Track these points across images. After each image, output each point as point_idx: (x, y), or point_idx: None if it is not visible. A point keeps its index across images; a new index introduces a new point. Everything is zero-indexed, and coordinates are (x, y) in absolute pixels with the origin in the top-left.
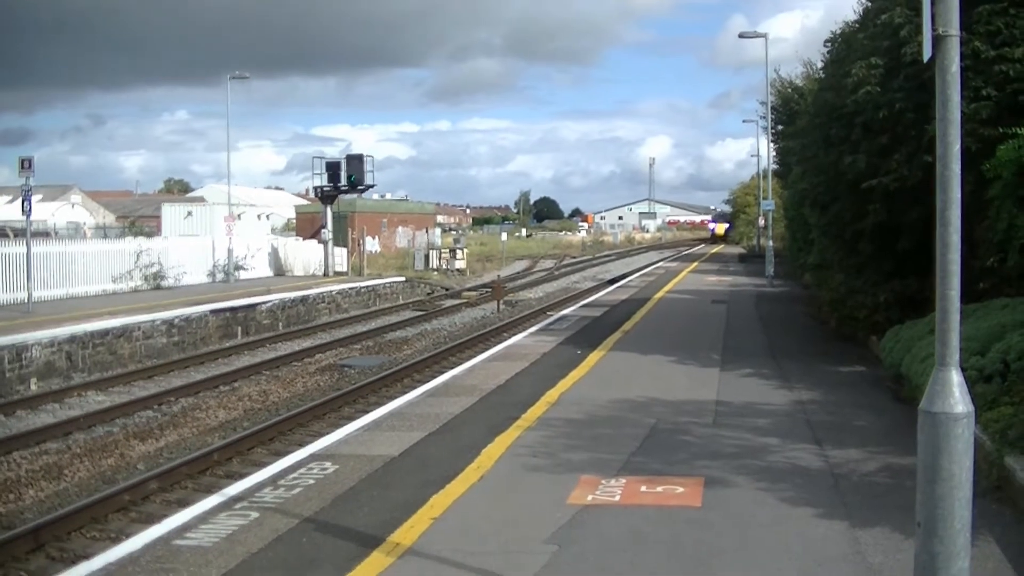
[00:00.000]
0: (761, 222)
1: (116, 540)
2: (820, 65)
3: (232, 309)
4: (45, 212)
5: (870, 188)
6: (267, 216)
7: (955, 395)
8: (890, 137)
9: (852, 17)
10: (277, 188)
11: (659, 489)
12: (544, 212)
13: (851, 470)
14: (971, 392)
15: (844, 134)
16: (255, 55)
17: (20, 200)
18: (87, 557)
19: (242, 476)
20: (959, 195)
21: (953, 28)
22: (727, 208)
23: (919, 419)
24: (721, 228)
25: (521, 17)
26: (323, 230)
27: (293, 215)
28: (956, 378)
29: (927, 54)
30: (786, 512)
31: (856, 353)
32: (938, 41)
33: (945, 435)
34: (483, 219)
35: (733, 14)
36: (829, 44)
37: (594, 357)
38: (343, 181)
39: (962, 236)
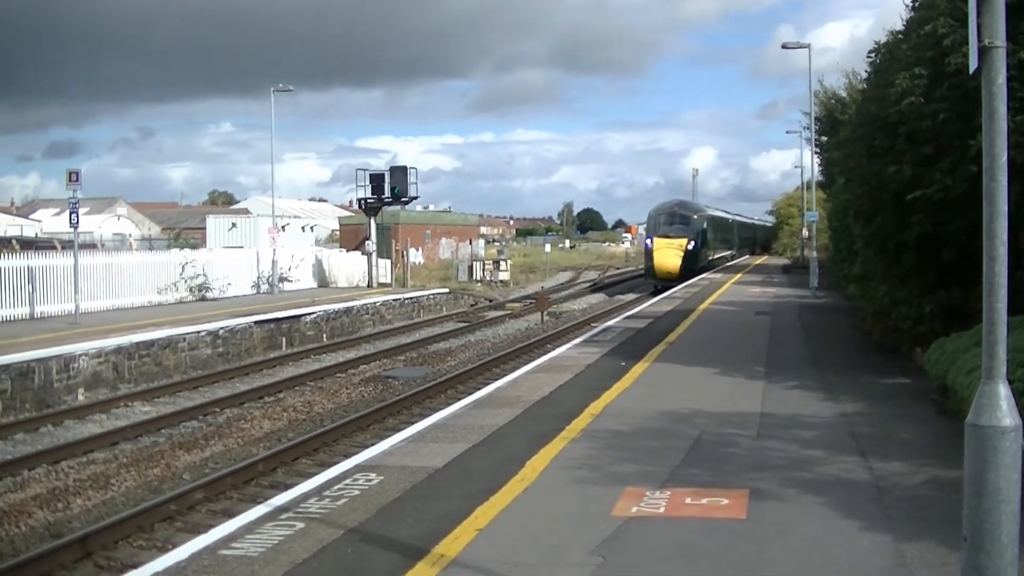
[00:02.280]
0: (805, 233)
1: (163, 549)
2: (864, 75)
3: (277, 320)
4: (92, 224)
5: (914, 199)
6: (311, 228)
7: (1002, 408)
8: (934, 147)
9: (898, 27)
10: (321, 200)
11: (704, 501)
12: (588, 223)
13: (896, 483)
14: (1018, 405)
15: (888, 144)
16: (301, 68)
17: (68, 212)
18: (134, 566)
19: (287, 487)
20: (1006, 207)
21: (999, 39)
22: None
23: (966, 432)
24: (671, 251)
25: (567, 28)
26: (367, 242)
27: (337, 227)
28: (1003, 391)
29: (973, 65)
30: (831, 524)
31: (900, 365)
32: (984, 52)
33: (992, 448)
34: (526, 230)
35: (781, 24)
36: (873, 55)
37: (638, 369)
38: (387, 193)
39: (1008, 247)
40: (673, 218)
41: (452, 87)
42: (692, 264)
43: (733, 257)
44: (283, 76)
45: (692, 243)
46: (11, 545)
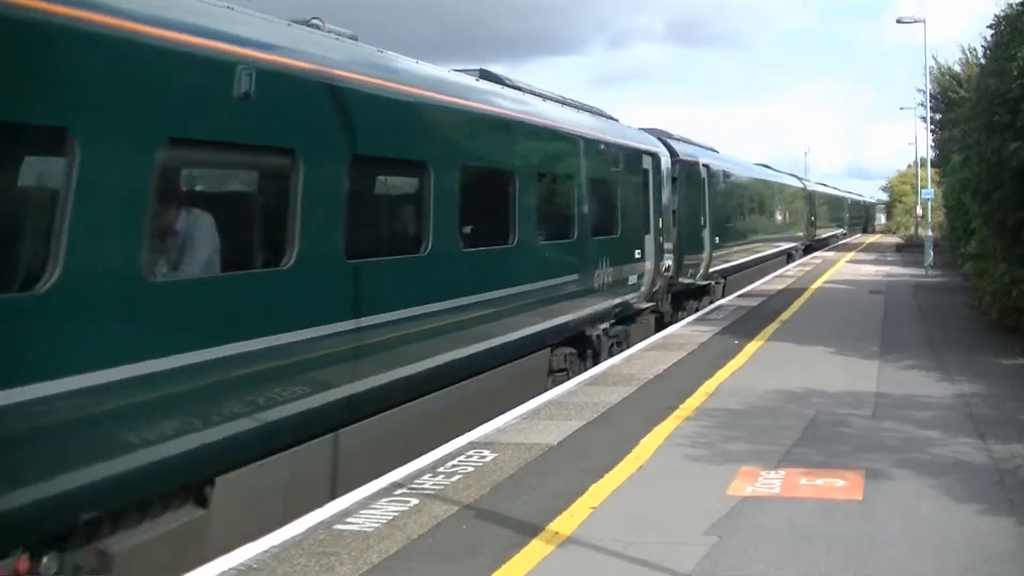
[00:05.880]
0: (919, 211)
1: (280, 522)
2: (982, 49)
3: None
4: None
5: None
6: None
7: None
8: None
9: None
10: None
11: (819, 482)
12: None
13: (1017, 466)
14: None
15: (1008, 120)
16: (420, 43)
17: None
18: (252, 538)
19: (402, 462)
20: None
21: None
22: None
23: None
24: None
25: (680, 2)
26: None
27: None
28: None
29: None
30: (949, 507)
31: (1019, 345)
32: None
33: None
34: None
35: None
36: (993, 27)
37: (752, 347)
38: None
39: None
40: None
41: (569, 63)
42: None
43: (844, 235)
44: (403, 52)
45: None
46: None
